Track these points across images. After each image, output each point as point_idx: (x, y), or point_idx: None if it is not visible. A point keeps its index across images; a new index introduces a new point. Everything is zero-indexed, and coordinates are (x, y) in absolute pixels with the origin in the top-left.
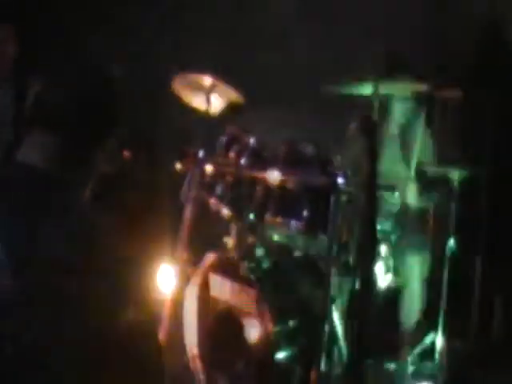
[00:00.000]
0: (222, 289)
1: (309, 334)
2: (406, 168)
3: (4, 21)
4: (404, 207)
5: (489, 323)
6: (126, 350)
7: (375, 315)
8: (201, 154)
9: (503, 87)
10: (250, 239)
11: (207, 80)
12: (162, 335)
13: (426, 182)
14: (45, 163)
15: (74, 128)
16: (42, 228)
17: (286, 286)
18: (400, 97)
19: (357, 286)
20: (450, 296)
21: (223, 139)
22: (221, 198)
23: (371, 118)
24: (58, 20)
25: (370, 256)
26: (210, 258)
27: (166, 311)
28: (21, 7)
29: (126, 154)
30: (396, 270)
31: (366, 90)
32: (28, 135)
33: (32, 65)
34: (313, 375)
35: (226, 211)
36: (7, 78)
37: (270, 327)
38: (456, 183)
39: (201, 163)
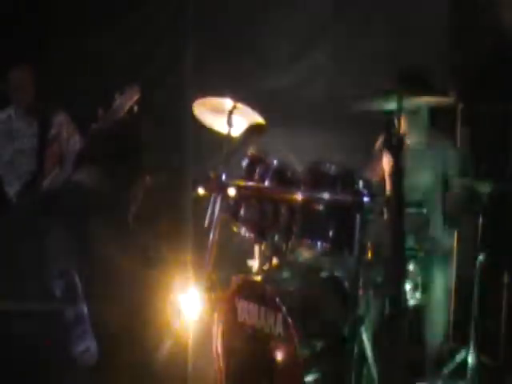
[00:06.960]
0: (249, 312)
1: (337, 356)
2: (433, 182)
3: (24, 61)
4: (431, 223)
5: None
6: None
7: (404, 334)
8: (223, 177)
9: None
10: (276, 261)
11: (228, 103)
12: (188, 361)
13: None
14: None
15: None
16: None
17: (313, 308)
18: (424, 110)
19: (386, 305)
20: (479, 311)
21: (246, 161)
22: (245, 221)
23: (396, 134)
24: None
25: (399, 274)
26: (235, 281)
27: (191, 337)
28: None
29: (148, 179)
30: (424, 288)
31: (390, 105)
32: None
33: (54, 97)
34: None
35: (250, 234)
36: (29, 109)
37: (298, 350)
38: (484, 197)
39: (224, 186)
